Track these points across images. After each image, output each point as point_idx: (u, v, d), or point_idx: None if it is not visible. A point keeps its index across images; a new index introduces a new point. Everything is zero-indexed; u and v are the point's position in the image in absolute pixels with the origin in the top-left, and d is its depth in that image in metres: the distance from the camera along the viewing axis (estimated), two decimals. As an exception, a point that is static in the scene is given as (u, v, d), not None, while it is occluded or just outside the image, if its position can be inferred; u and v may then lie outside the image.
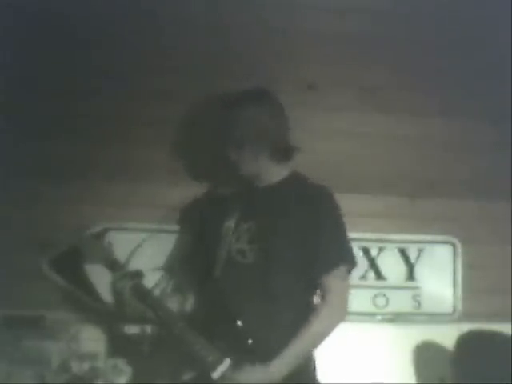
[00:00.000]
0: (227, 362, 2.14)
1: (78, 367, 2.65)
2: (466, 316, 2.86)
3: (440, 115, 2.95)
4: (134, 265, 2.58)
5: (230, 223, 2.35)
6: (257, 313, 2.20)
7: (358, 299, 2.82)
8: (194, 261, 2.51)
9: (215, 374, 2.13)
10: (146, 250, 2.65)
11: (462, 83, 2.95)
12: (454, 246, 2.90)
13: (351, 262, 2.33)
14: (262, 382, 2.13)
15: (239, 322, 2.19)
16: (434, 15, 2.92)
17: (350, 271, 2.33)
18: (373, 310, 2.85)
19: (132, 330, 2.62)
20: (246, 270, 2.27)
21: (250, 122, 2.31)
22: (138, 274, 2.34)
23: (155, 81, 2.77)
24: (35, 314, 2.66)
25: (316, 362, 2.32)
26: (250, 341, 2.16)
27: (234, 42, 2.83)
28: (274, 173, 2.38)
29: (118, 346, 2.67)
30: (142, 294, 2.29)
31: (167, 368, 2.43)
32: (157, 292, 2.42)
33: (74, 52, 2.75)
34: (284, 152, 2.36)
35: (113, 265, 2.35)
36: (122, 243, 2.65)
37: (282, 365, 2.14)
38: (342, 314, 2.27)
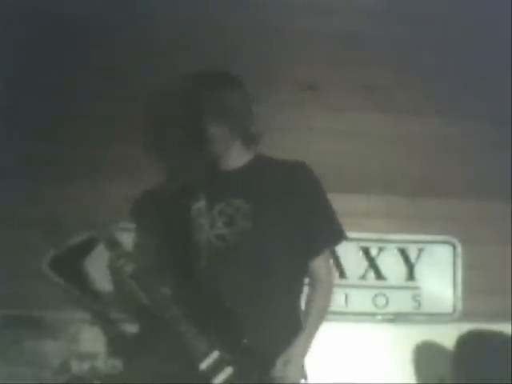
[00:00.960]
0: (215, 353, 2.12)
1: (78, 367, 2.65)
2: (466, 316, 2.86)
3: (440, 115, 2.95)
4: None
5: (199, 205, 2.30)
6: (249, 298, 2.17)
7: (358, 299, 2.83)
8: (170, 254, 2.44)
9: (202, 365, 2.10)
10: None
11: (462, 83, 2.95)
12: (454, 246, 2.90)
13: (334, 242, 2.35)
14: (296, 372, 2.17)
15: (229, 307, 2.15)
16: (434, 15, 2.93)
17: (333, 248, 2.40)
18: (373, 309, 2.85)
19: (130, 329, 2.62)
20: (230, 255, 2.22)
21: (231, 102, 2.29)
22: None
23: (155, 81, 2.77)
24: (35, 314, 2.66)
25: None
26: (245, 341, 2.13)
27: (233, 42, 2.83)
28: (240, 156, 2.34)
29: (118, 346, 2.67)
30: (138, 275, 2.23)
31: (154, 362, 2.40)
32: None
33: (73, 52, 2.75)
34: (253, 136, 2.35)
35: (112, 244, 2.29)
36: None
37: (307, 343, 2.20)
38: (332, 294, 2.31)
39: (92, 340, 2.68)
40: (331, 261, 2.40)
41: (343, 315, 2.81)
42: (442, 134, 2.95)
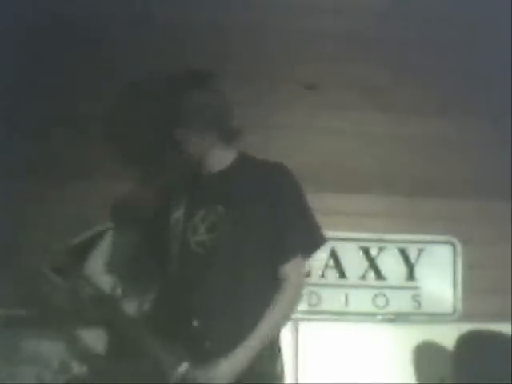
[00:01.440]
0: (185, 365, 2.08)
1: (78, 367, 2.65)
2: (466, 316, 2.86)
3: (440, 115, 2.95)
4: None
5: (178, 214, 2.29)
6: (216, 309, 2.15)
7: (358, 299, 2.83)
8: (146, 259, 2.47)
9: (172, 379, 2.07)
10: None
11: (462, 83, 2.95)
12: (454, 246, 2.90)
13: (309, 248, 2.28)
14: (226, 374, 2.08)
15: (195, 322, 2.12)
16: (434, 15, 2.92)
17: (309, 256, 2.30)
18: (373, 309, 2.85)
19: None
20: (206, 263, 2.19)
21: (196, 101, 2.26)
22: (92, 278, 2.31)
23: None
24: (35, 314, 2.66)
25: (280, 352, 2.26)
26: (207, 342, 2.10)
27: (233, 42, 2.83)
28: (221, 157, 2.31)
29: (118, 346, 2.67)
30: (98, 297, 2.24)
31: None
32: (114, 294, 2.39)
33: (73, 52, 2.75)
34: (231, 133, 2.31)
35: (67, 268, 2.31)
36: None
37: (242, 355, 2.09)
38: (297, 302, 2.25)
39: (92, 340, 2.68)
40: (305, 268, 2.32)
41: (343, 315, 2.81)
42: (441, 134, 2.95)
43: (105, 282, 2.49)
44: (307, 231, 2.25)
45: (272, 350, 2.20)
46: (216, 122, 2.28)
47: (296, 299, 2.24)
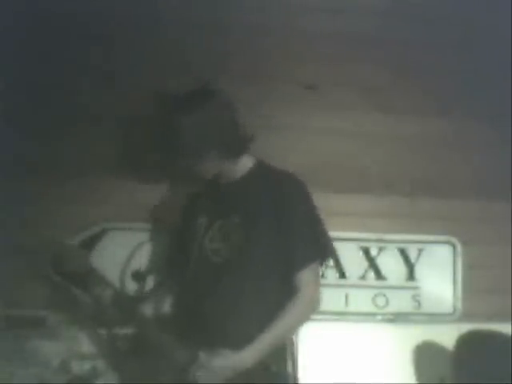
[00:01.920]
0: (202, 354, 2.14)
1: (78, 367, 2.65)
2: (466, 316, 2.86)
3: (440, 115, 2.95)
4: (134, 265, 2.61)
5: (202, 220, 2.33)
6: (229, 314, 2.20)
7: (358, 299, 2.83)
8: (172, 261, 2.50)
9: (189, 376, 2.12)
10: (145, 250, 2.67)
11: (462, 83, 2.95)
12: (454, 246, 2.90)
13: (323, 256, 2.33)
14: (234, 367, 2.13)
15: (210, 327, 2.18)
16: (434, 15, 2.92)
17: (322, 264, 2.35)
18: (373, 309, 2.85)
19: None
20: (220, 271, 2.25)
21: (194, 128, 2.24)
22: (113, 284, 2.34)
23: (155, 80, 2.77)
24: (35, 314, 2.66)
25: (295, 353, 2.31)
26: (221, 347, 2.14)
27: (233, 42, 2.83)
28: (237, 167, 2.34)
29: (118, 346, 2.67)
30: (121, 303, 2.27)
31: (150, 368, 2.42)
32: (135, 296, 2.43)
33: (73, 52, 2.75)
34: (237, 147, 2.32)
35: (89, 274, 2.32)
36: (121, 243, 2.67)
37: (253, 352, 2.14)
38: (313, 308, 2.28)
39: (92, 340, 2.68)
40: (319, 275, 2.36)
41: (343, 315, 2.81)
42: (442, 133, 2.95)
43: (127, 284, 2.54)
44: (319, 239, 2.29)
45: (284, 351, 2.24)
46: (220, 141, 2.28)
47: (310, 305, 2.26)
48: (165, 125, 2.32)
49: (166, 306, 2.46)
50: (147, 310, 2.33)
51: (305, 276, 2.23)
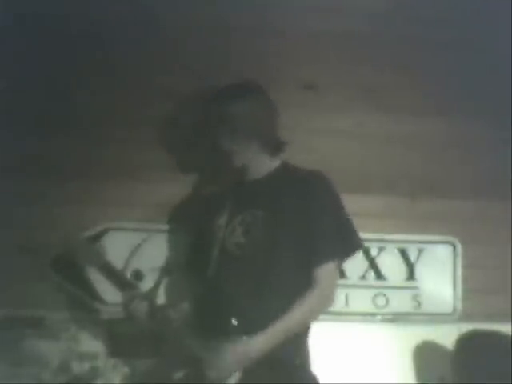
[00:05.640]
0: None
1: (78, 367, 2.65)
2: (466, 316, 2.85)
3: (440, 115, 2.95)
4: (134, 265, 2.61)
5: (222, 221, 2.35)
6: (252, 309, 2.20)
7: (358, 299, 2.83)
8: (190, 260, 2.52)
9: (212, 374, 2.13)
10: (145, 250, 2.67)
11: (462, 83, 2.95)
12: (454, 246, 2.90)
13: (345, 253, 2.34)
14: (245, 352, 2.15)
15: (234, 321, 2.19)
16: (433, 15, 2.93)
17: (343, 260, 2.36)
18: (373, 310, 2.85)
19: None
20: (243, 264, 2.27)
21: (243, 114, 2.32)
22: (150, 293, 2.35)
23: (155, 81, 2.78)
24: (35, 314, 2.66)
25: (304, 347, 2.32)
26: (234, 322, 2.18)
27: (233, 42, 2.83)
28: (265, 165, 2.39)
29: (118, 345, 2.67)
30: (154, 313, 2.29)
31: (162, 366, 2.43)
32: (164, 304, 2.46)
33: (73, 52, 2.75)
34: (275, 144, 2.39)
35: (124, 284, 2.36)
36: (121, 243, 2.67)
37: (263, 338, 2.16)
38: (326, 303, 2.30)
39: (92, 340, 2.68)
40: (337, 272, 2.37)
41: (343, 315, 2.81)
42: (441, 133, 2.95)
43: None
44: (342, 236, 2.30)
45: (295, 343, 2.25)
46: (260, 132, 2.35)
47: (323, 301, 2.28)
48: (211, 111, 2.38)
49: (188, 308, 2.45)
50: (143, 307, 2.30)
51: (323, 271, 2.25)
